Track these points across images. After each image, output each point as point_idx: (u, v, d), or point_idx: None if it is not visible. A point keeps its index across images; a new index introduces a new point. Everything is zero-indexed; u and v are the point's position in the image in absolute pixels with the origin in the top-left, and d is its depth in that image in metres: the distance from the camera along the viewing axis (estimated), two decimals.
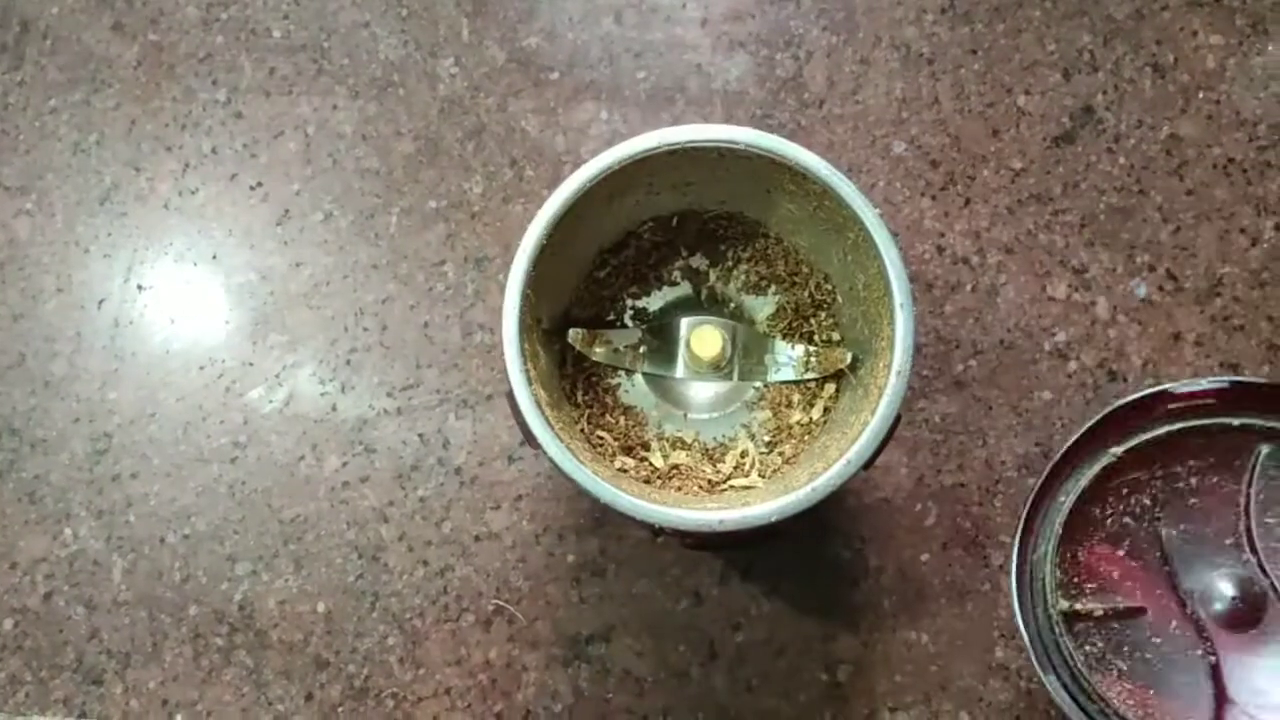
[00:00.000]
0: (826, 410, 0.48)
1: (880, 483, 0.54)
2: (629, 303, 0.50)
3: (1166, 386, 0.46)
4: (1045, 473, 0.46)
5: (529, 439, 0.41)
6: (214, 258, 0.58)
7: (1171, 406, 0.46)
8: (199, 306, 0.58)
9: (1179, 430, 0.45)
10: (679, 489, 0.47)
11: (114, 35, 0.61)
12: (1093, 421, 0.46)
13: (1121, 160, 0.57)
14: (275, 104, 0.60)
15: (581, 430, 0.47)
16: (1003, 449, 0.54)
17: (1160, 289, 0.55)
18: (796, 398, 0.48)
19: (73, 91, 0.60)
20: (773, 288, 0.49)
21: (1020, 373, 0.55)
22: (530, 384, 0.41)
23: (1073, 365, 0.55)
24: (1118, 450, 0.46)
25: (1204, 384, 0.46)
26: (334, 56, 0.60)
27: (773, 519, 0.40)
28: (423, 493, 0.55)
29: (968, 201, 0.57)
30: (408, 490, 0.55)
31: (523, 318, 0.42)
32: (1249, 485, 0.45)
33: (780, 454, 0.47)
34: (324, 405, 0.56)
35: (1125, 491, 0.46)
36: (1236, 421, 0.45)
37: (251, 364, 0.57)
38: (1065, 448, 0.46)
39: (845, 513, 0.54)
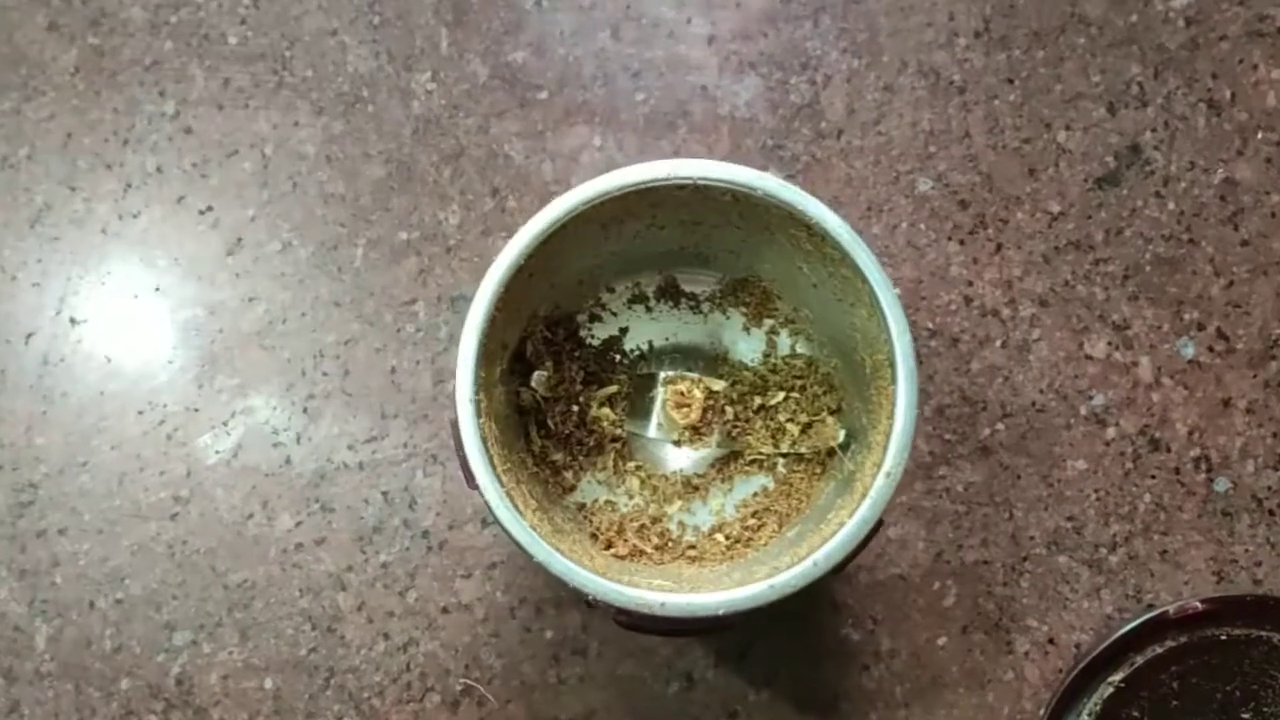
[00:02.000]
0: (808, 486, 0.55)
1: (895, 557, 0.59)
2: (592, 331, 0.56)
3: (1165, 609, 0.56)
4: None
5: (467, 477, 0.46)
6: (157, 289, 0.62)
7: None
8: (139, 344, 0.61)
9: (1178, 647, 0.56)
10: (637, 537, 0.53)
11: (49, 36, 0.65)
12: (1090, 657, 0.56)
13: (1170, 206, 0.62)
14: (229, 119, 0.63)
15: (538, 466, 0.53)
16: (1031, 523, 0.59)
17: (1210, 349, 0.60)
18: (782, 460, 0.55)
19: (1, 99, 0.64)
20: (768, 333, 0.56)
21: (1052, 439, 0.60)
22: (479, 416, 0.47)
23: (1111, 432, 0.60)
24: (1117, 679, 0.56)
25: (1197, 603, 0.56)
26: (296, 67, 0.65)
27: (720, 612, 0.45)
28: (385, 558, 0.59)
29: (999, 247, 0.62)
30: (369, 554, 0.59)
31: (484, 342, 0.47)
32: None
33: (752, 518, 0.54)
34: (277, 457, 0.60)
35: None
36: (1225, 635, 0.56)
37: (197, 409, 0.60)
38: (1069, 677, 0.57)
39: (855, 589, 0.59)
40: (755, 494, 0.56)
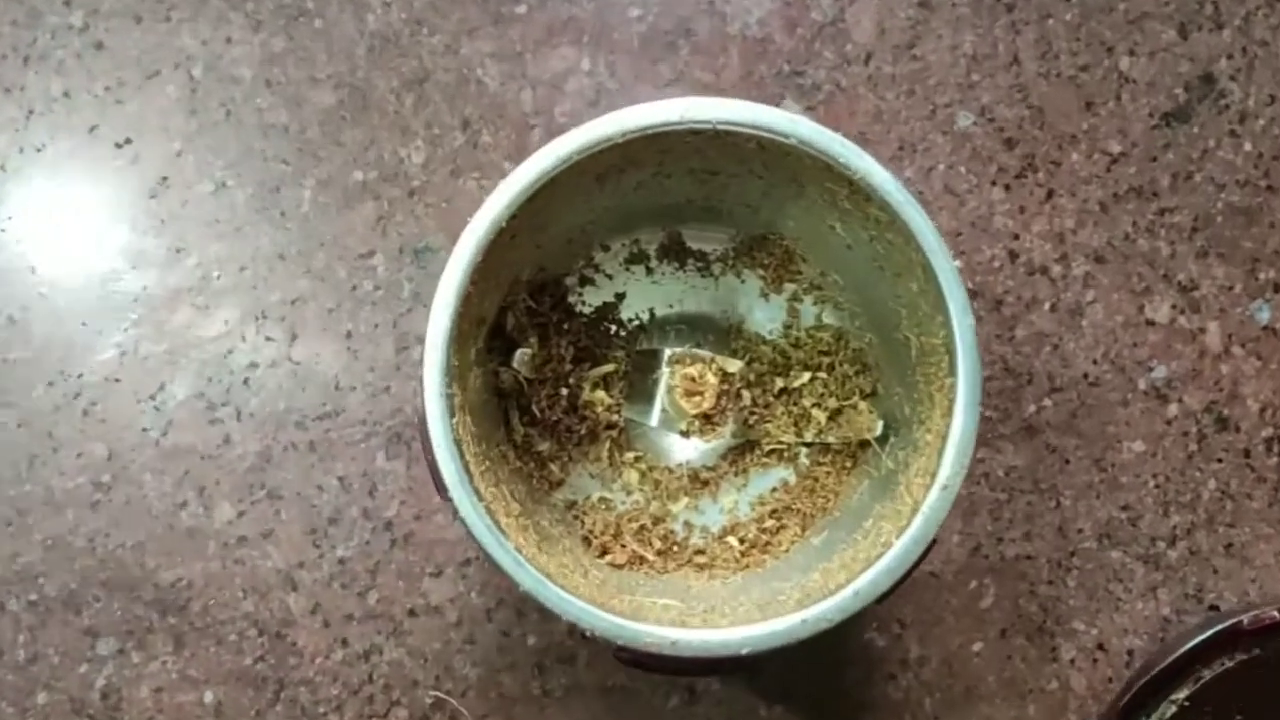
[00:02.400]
0: (836, 481, 0.49)
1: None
2: (584, 297, 0.51)
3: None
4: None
5: (438, 486, 0.41)
6: (67, 237, 0.57)
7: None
8: (46, 303, 0.57)
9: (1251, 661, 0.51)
10: (636, 541, 0.48)
11: None
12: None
13: (1247, 146, 0.57)
14: (149, 33, 0.58)
15: (521, 459, 0.48)
16: (1080, 513, 0.55)
17: None
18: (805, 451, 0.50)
19: None
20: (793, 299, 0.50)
21: (1106, 417, 0.56)
22: (451, 414, 0.41)
23: (1173, 409, 0.56)
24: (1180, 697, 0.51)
25: (1275, 613, 0.51)
26: None
27: (743, 651, 0.40)
28: (342, 553, 0.55)
29: (1050, 194, 0.57)
30: (323, 549, 0.55)
31: (457, 322, 0.41)
32: None
33: (770, 518, 0.49)
34: (214, 436, 0.56)
35: None
36: None
37: (118, 380, 0.56)
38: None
39: None
40: (774, 489, 0.50)
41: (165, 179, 0.57)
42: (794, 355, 0.49)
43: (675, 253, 0.51)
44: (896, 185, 0.42)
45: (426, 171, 0.57)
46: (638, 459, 0.50)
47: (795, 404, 0.49)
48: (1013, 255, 0.57)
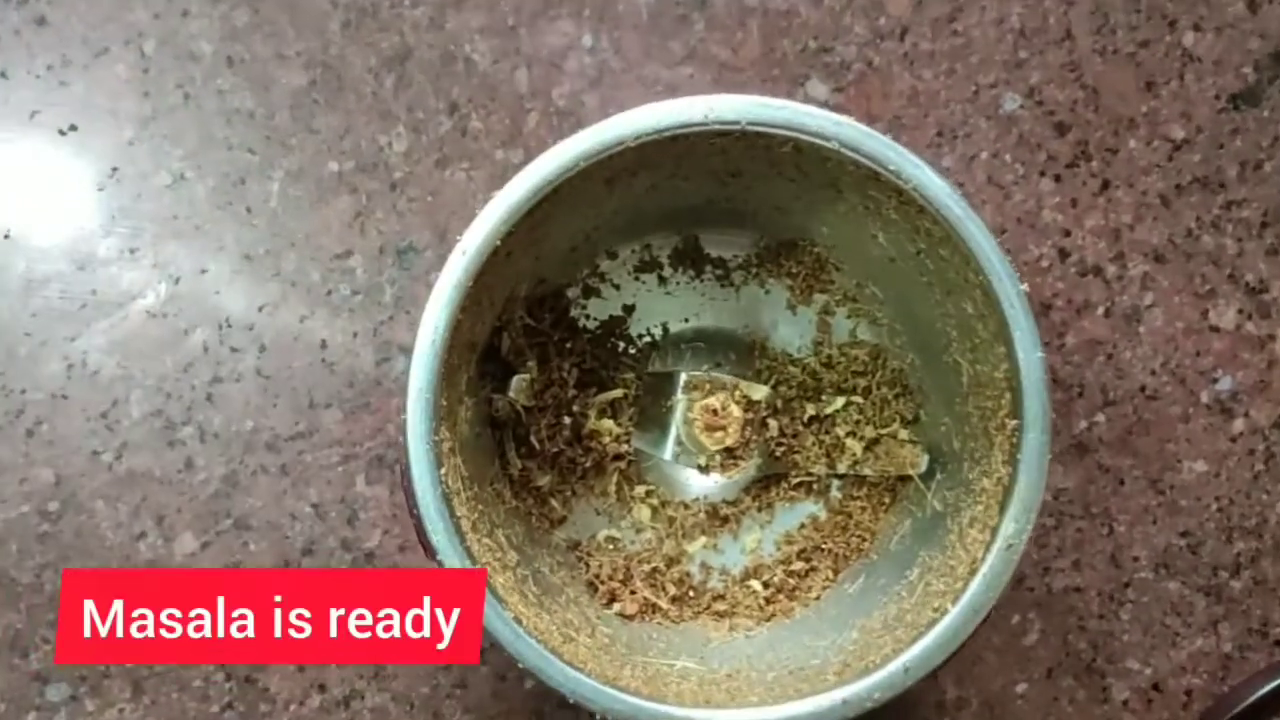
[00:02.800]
0: (873, 519, 0.46)
1: None
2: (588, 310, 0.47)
3: None
4: None
5: (424, 545, 0.38)
6: (6, 236, 0.54)
7: None
8: None
9: None
10: (648, 587, 0.45)
11: None
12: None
13: None
14: (96, 6, 0.55)
15: (519, 496, 0.45)
16: (1136, 540, 0.53)
17: None
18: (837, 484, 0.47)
19: None
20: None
21: (1165, 433, 0.53)
22: (439, 464, 0.38)
23: (1239, 425, 0.53)
24: None
25: None
26: None
27: None
28: None
29: (1105, 185, 0.54)
30: None
31: (444, 358, 0.38)
32: None
33: (799, 559, 0.46)
34: (174, 460, 0.53)
35: None
36: None
37: (66, 396, 0.53)
38: None
39: None
40: (801, 526, 0.47)
41: (115, 170, 0.54)
42: (825, 377, 0.46)
43: (691, 259, 0.47)
44: (955, 197, 0.38)
45: (409, 162, 0.54)
46: (649, 493, 0.47)
47: (827, 432, 0.46)
48: (1063, 254, 0.54)
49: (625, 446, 0.45)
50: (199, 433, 0.52)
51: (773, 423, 0.44)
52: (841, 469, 0.45)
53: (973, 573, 0.37)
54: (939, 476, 0.43)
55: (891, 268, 0.42)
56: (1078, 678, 0.52)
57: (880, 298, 0.45)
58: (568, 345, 0.44)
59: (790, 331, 0.47)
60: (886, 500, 0.45)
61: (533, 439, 0.43)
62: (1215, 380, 0.53)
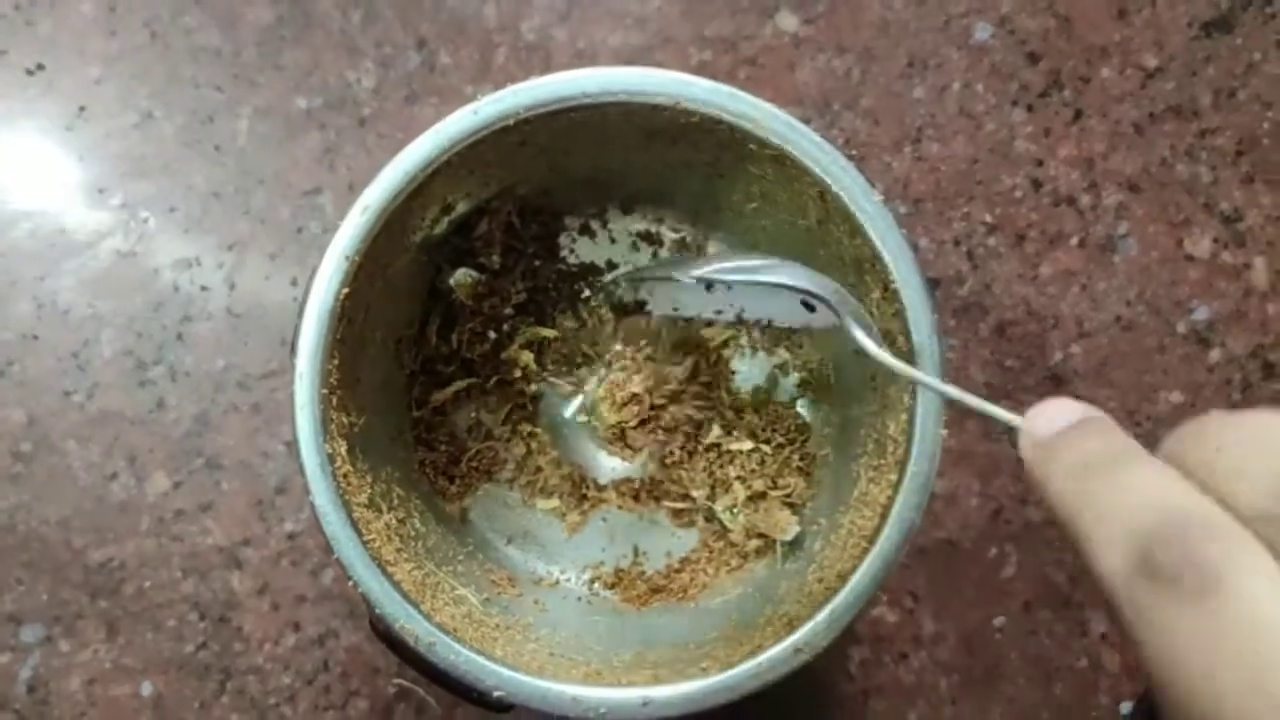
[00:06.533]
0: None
1: (941, 517, 0.52)
2: (575, 249, 0.46)
3: None
4: None
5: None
6: None
7: None
8: None
9: None
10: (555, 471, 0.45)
11: None
12: None
13: None
14: None
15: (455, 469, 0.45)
16: None
17: None
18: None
19: None
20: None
21: (1142, 364, 0.53)
22: (333, 476, 0.39)
23: (1215, 354, 0.53)
24: None
25: None
26: None
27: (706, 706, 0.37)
28: (292, 527, 0.52)
29: (1078, 115, 0.53)
30: (270, 523, 0.52)
31: (328, 339, 0.37)
32: None
33: (746, 487, 0.46)
34: (146, 400, 0.52)
35: None
36: None
37: (36, 337, 0.52)
38: None
39: None
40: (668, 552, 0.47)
41: (83, 109, 0.54)
42: (748, 417, 0.46)
43: (697, 250, 0.47)
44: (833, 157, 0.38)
45: (378, 97, 0.54)
46: (532, 434, 0.47)
47: (721, 467, 0.46)
48: (1036, 184, 0.53)
49: (534, 387, 0.45)
50: (170, 372, 0.52)
51: (674, 430, 0.45)
52: (718, 508, 0.45)
53: (883, 519, 0.37)
54: (798, 552, 0.43)
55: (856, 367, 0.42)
56: (1054, 610, 0.51)
57: (831, 382, 0.45)
58: (536, 264, 0.44)
59: (747, 370, 0.47)
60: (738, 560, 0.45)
61: (454, 335, 0.44)
62: (1191, 310, 0.53)
